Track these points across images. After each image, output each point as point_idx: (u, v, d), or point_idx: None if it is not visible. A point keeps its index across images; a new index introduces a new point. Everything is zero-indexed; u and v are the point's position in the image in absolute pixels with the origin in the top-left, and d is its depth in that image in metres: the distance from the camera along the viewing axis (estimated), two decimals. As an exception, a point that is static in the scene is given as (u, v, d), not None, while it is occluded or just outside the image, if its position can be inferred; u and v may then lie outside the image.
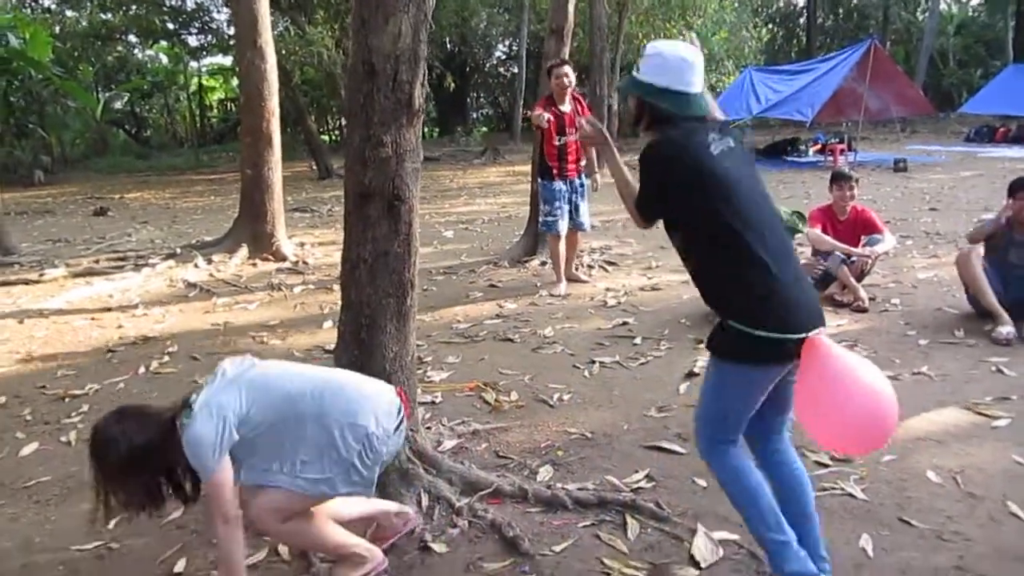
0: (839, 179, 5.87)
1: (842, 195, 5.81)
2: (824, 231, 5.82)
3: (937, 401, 3.85)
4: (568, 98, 6.25)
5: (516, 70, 27.49)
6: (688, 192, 2.21)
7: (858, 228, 5.90)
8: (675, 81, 2.25)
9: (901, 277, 6.36)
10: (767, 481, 2.37)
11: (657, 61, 2.28)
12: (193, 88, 31.50)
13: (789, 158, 17.76)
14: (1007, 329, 4.59)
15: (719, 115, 2.50)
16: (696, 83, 2.26)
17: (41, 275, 7.81)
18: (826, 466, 3.25)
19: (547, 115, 6.07)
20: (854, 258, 5.70)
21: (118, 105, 26.64)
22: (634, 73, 2.37)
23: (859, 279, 5.69)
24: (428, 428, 3.67)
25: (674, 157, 2.23)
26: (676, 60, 2.25)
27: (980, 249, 4.99)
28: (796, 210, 5.50)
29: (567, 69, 6.22)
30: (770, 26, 32.57)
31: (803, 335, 2.13)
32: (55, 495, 3.35)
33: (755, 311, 2.16)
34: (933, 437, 3.47)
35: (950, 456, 3.29)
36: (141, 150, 28.64)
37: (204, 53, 25.75)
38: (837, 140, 17.06)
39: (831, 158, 15.96)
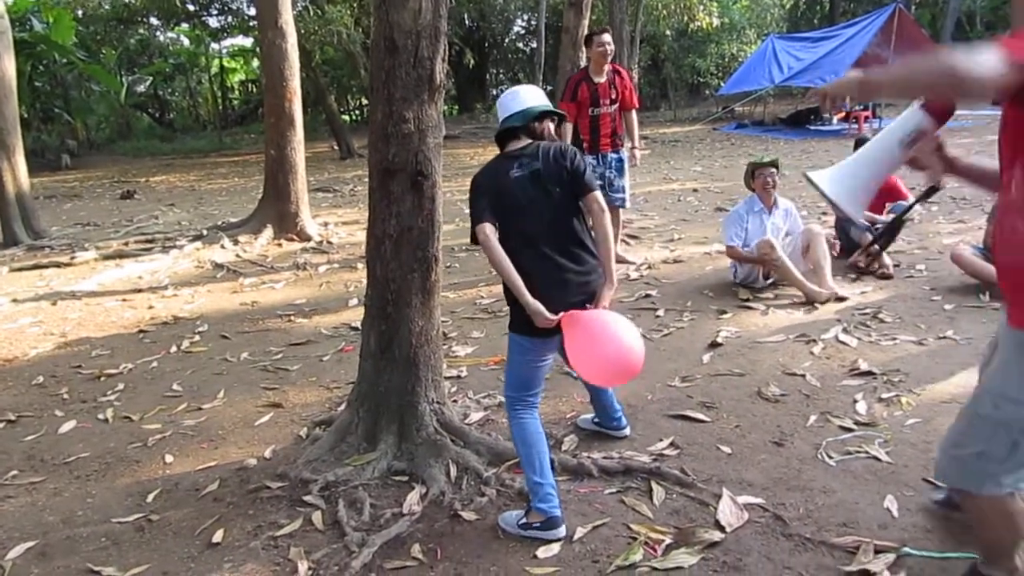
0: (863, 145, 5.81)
1: (866, 162, 5.75)
2: (849, 199, 5.77)
3: (962, 364, 3.84)
4: (605, 69, 5.96)
5: (535, 45, 27.30)
6: (489, 202, 2.71)
7: (883, 195, 5.84)
8: (514, 106, 2.81)
9: (927, 243, 6.30)
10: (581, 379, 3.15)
11: (500, 106, 2.86)
12: (215, 70, 31.61)
13: (813, 127, 17.54)
14: None
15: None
16: (515, 107, 2.80)
17: (72, 258, 7.97)
18: (851, 431, 3.26)
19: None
20: (879, 225, 5.66)
21: (141, 88, 26.78)
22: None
23: (884, 246, 5.65)
24: (455, 401, 3.73)
25: (485, 176, 2.78)
26: (507, 100, 2.84)
27: (966, 247, 5.08)
28: (774, 157, 5.49)
29: (607, 37, 5.91)
30: (792, -8, 31.95)
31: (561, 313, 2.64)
32: (95, 470, 3.46)
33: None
34: (958, 400, 3.46)
35: (976, 420, 3.28)
36: (165, 133, 28.87)
37: (225, 34, 25.79)
38: (862, 107, 16.79)
39: (856, 125, 15.73)
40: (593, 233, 2.79)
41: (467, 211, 2.83)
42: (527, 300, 2.59)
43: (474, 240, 2.71)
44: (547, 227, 2.71)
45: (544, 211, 2.71)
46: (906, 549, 2.43)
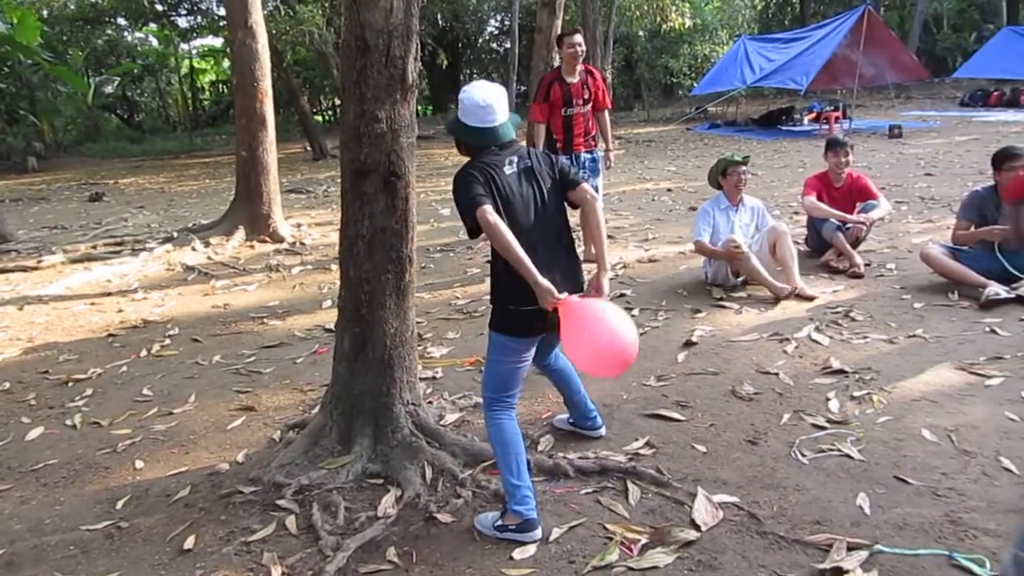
0: (834, 146, 5.89)
1: (837, 162, 5.83)
2: (820, 198, 5.84)
3: (932, 362, 3.89)
4: (577, 69, 5.95)
5: (508, 45, 27.32)
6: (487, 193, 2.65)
7: (854, 195, 5.93)
8: (485, 119, 2.70)
9: (896, 242, 6.39)
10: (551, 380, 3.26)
11: (469, 106, 2.72)
12: (184, 71, 31.26)
13: (784, 127, 17.73)
14: (994, 288, 4.61)
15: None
16: (495, 119, 2.71)
17: (39, 262, 7.82)
18: (823, 429, 3.29)
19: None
20: (849, 225, 5.73)
21: (109, 89, 26.33)
22: (456, 114, 2.78)
23: (855, 245, 5.72)
24: (430, 403, 3.71)
25: (474, 177, 2.67)
26: (474, 105, 2.70)
27: (935, 246, 5.15)
28: (745, 155, 5.54)
29: (578, 39, 5.90)
30: (763, -6, 32.28)
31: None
32: (63, 477, 3.39)
33: (514, 291, 2.66)
34: (928, 397, 3.52)
35: (944, 415, 3.33)
36: (134, 134, 28.43)
37: (194, 35, 25.49)
38: (832, 108, 17.00)
39: (826, 126, 15.92)
40: (586, 222, 2.86)
41: (443, 211, 2.82)
42: (536, 279, 2.55)
43: (474, 232, 2.66)
44: (540, 222, 2.74)
45: (537, 207, 2.74)
46: (878, 546, 2.46)
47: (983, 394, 3.50)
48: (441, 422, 3.51)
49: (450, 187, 2.77)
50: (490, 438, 2.83)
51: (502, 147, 2.75)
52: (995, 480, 2.81)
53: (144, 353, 5.02)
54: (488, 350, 2.86)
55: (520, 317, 2.71)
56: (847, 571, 2.34)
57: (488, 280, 2.90)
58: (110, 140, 26.06)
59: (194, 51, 30.86)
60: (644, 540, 2.59)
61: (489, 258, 2.92)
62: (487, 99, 2.71)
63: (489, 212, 2.57)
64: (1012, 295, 4.59)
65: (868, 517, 2.64)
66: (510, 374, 2.84)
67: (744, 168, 5.33)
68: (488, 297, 2.86)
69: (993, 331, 4.23)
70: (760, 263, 5.16)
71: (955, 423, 3.25)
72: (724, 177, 5.38)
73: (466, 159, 2.79)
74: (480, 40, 32.78)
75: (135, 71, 29.21)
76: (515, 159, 2.76)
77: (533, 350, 2.88)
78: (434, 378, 4.18)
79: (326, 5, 17.58)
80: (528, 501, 2.68)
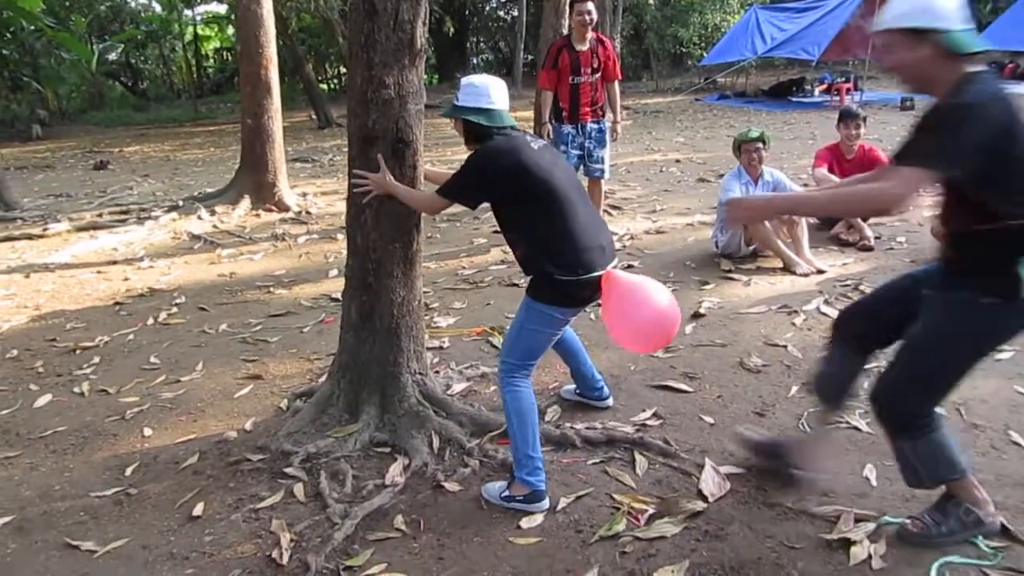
0: (847, 117, 5.81)
1: (848, 133, 5.76)
2: (831, 170, 5.78)
3: (942, 337, 3.87)
4: (588, 37, 5.81)
5: (516, 13, 26.99)
6: (515, 179, 2.66)
7: (865, 167, 5.84)
8: (484, 101, 2.75)
9: (907, 215, 6.33)
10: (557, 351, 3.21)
11: (469, 89, 2.76)
12: (188, 38, 30.94)
13: (795, 98, 17.54)
14: None
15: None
16: (498, 101, 2.76)
17: (45, 230, 7.81)
18: (831, 402, 3.28)
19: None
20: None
21: (113, 56, 26.20)
22: (454, 101, 2.81)
23: (865, 218, 5.67)
24: (437, 372, 3.71)
25: (505, 153, 2.68)
26: (482, 86, 2.76)
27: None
28: (762, 130, 5.48)
29: (589, 6, 5.73)
30: (775, -38, 31.77)
31: (599, 272, 2.66)
32: (72, 444, 3.41)
33: (565, 261, 2.64)
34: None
35: (954, 389, 3.31)
36: (138, 102, 28.29)
37: (198, 1, 25.24)
38: (843, 79, 16.79)
39: (837, 98, 15.74)
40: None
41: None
42: None
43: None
44: (579, 194, 2.76)
45: (570, 179, 2.77)
46: (886, 518, 2.46)
47: (993, 368, 3.48)
48: (448, 392, 3.51)
49: (456, 158, 2.77)
50: (506, 406, 2.76)
51: (514, 129, 2.78)
52: (1003, 453, 2.81)
53: (151, 321, 5.02)
54: (523, 319, 2.76)
55: (571, 288, 2.65)
56: (855, 542, 2.34)
57: (510, 252, 2.93)
58: (114, 108, 25.94)
59: (198, 17, 30.49)
60: (651, 510, 2.59)
61: (497, 228, 2.90)
62: (485, 82, 2.78)
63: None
64: None
65: (875, 488, 2.65)
66: (543, 344, 2.81)
67: (759, 145, 5.27)
68: (497, 267, 2.85)
69: (1004, 305, 4.20)
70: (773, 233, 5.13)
71: (964, 396, 3.23)
72: (740, 153, 5.33)
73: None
74: (487, 7, 32.41)
75: (139, 37, 28.93)
76: (532, 137, 2.79)
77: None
78: (441, 348, 4.18)
79: (332, -29, 17.35)
80: (539, 473, 2.68)
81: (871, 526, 2.42)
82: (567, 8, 6.28)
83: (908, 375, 2.21)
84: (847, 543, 2.35)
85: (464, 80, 2.81)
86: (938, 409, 2.25)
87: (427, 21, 2.96)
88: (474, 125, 2.75)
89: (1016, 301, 2.05)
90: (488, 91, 2.75)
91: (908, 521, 2.40)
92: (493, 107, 2.75)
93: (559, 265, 2.62)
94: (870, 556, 2.29)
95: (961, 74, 2.03)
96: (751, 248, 5.39)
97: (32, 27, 18.84)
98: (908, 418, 2.24)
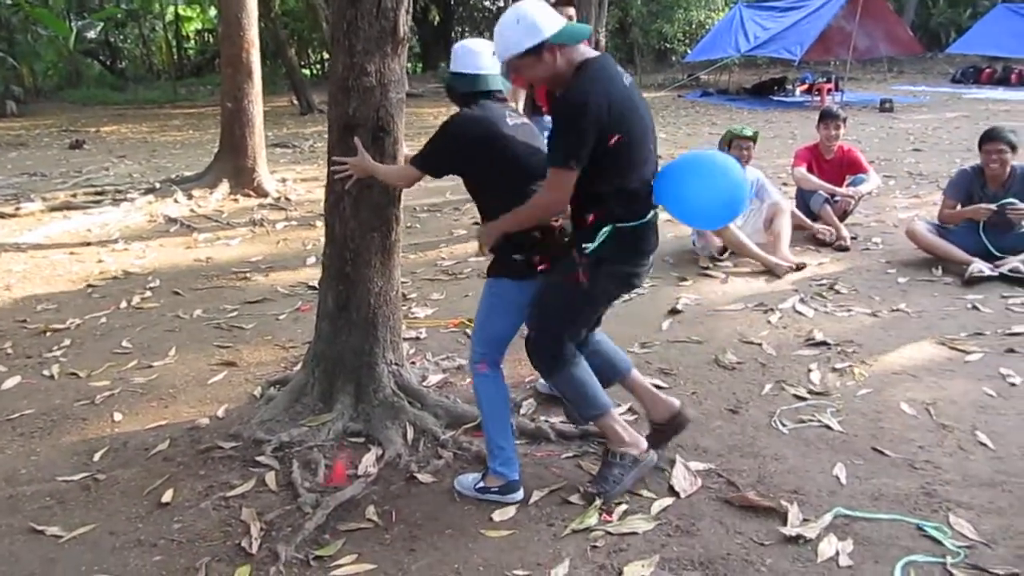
0: (827, 118, 5.85)
1: (828, 134, 5.81)
2: (810, 170, 5.82)
3: (914, 337, 3.92)
4: None
5: (501, 3, 26.87)
6: (480, 150, 2.66)
7: (844, 167, 5.91)
8: (468, 66, 2.74)
9: (883, 216, 6.40)
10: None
11: (460, 52, 2.76)
12: (169, 18, 30.47)
13: (776, 97, 17.63)
14: (978, 266, 4.63)
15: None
16: (485, 66, 2.73)
17: (17, 209, 7.67)
18: (804, 399, 3.31)
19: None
20: (838, 197, 5.72)
21: (91, 34, 25.67)
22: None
23: (842, 219, 5.72)
24: (413, 363, 3.70)
25: (475, 122, 2.68)
26: (465, 50, 2.75)
27: (920, 222, 5.16)
28: (756, 130, 5.51)
29: (571, 12, 5.77)
30: (761, -40, 31.87)
31: None
32: (39, 427, 3.36)
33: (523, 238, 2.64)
34: (908, 371, 3.54)
35: (924, 389, 3.36)
36: (116, 82, 27.80)
37: (179, -20, 24.86)
38: (824, 79, 16.91)
39: (818, 98, 15.85)
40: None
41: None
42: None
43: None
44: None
45: (540, 162, 2.68)
46: (839, 509, 2.50)
47: (963, 369, 3.53)
48: (424, 383, 3.50)
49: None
50: (479, 397, 2.76)
51: (499, 99, 2.76)
52: (970, 454, 2.85)
53: (124, 305, 4.95)
54: (490, 302, 2.75)
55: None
56: (820, 539, 2.37)
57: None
58: (91, 87, 25.49)
59: (179, -3, 30.09)
60: (623, 506, 2.60)
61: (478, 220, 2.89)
62: (476, 47, 2.75)
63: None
64: (995, 273, 4.62)
65: (844, 487, 2.67)
66: (508, 328, 2.79)
67: (751, 144, 5.29)
68: (476, 259, 2.85)
69: (975, 307, 4.26)
70: (751, 237, 5.16)
71: (934, 397, 3.28)
72: (730, 148, 5.35)
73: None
74: (473, -3, 32.23)
75: (118, 16, 28.46)
76: (512, 111, 2.78)
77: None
78: (418, 339, 4.16)
79: (316, -46, 17.19)
80: (513, 463, 2.69)
81: (827, 518, 2.46)
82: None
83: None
84: (803, 539, 2.37)
85: (457, 44, 2.81)
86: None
87: (411, 9, 2.94)
88: (457, 89, 2.77)
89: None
90: (474, 57, 2.74)
91: (588, 483, 2.67)
92: (481, 72, 2.74)
93: (517, 242, 2.63)
94: (837, 553, 2.31)
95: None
96: (728, 253, 5.41)
97: (9, 2, 18.53)
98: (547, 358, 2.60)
